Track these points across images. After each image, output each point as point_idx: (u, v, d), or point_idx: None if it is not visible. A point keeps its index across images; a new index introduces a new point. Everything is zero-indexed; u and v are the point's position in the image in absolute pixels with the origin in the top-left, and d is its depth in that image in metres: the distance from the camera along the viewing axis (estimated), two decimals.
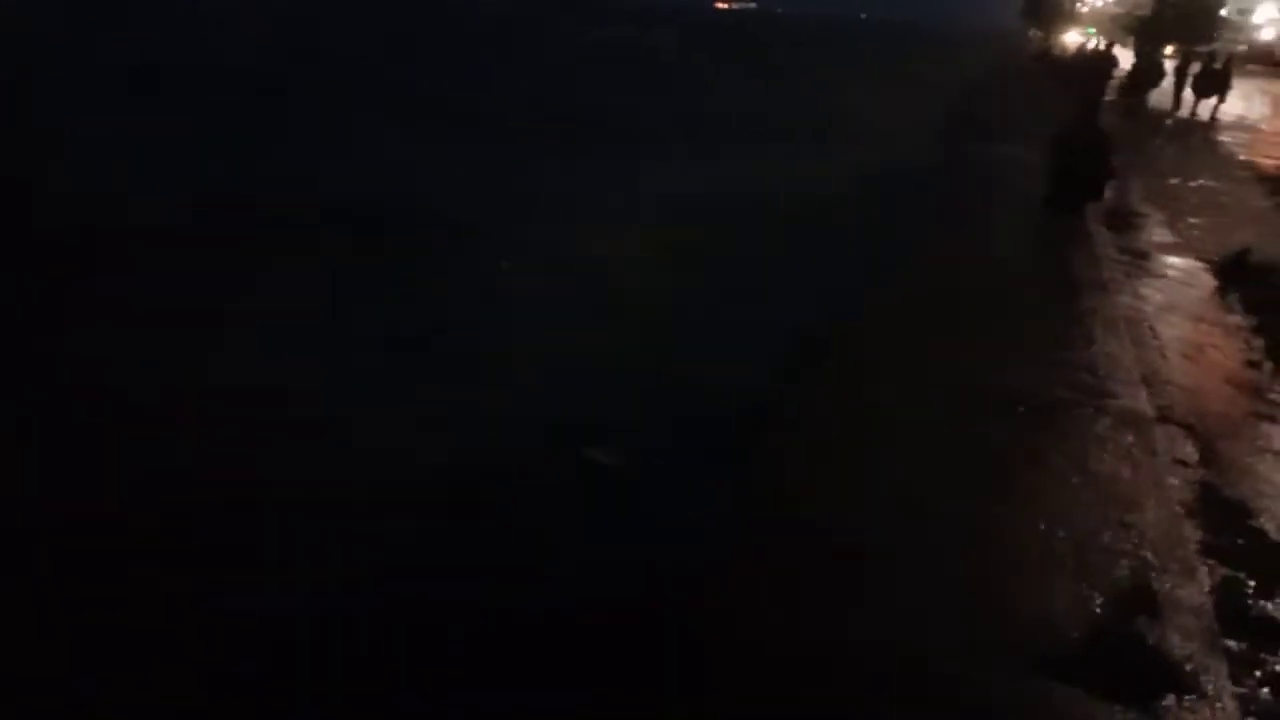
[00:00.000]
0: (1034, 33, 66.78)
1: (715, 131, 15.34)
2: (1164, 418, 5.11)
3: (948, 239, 9.19)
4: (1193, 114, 21.74)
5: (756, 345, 5.76)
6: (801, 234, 8.93)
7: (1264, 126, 21.68)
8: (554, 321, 5.98)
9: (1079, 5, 53.53)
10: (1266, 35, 50.35)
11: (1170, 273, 8.48)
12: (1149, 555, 3.72)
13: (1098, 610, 3.34)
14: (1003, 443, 4.66)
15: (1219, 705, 2.95)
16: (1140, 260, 8.74)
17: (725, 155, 13.10)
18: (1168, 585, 3.53)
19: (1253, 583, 3.64)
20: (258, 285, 6.42)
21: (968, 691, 2.91)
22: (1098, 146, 10.12)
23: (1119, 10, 49.04)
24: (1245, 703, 2.98)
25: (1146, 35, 23.79)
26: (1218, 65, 21.88)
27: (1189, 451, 4.75)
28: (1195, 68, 22.37)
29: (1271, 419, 5.34)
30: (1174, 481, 4.39)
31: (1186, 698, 2.96)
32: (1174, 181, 13.28)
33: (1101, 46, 24.45)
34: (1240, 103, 23.06)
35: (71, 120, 12.23)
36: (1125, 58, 26.06)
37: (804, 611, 3.25)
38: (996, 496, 4.11)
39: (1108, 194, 10.52)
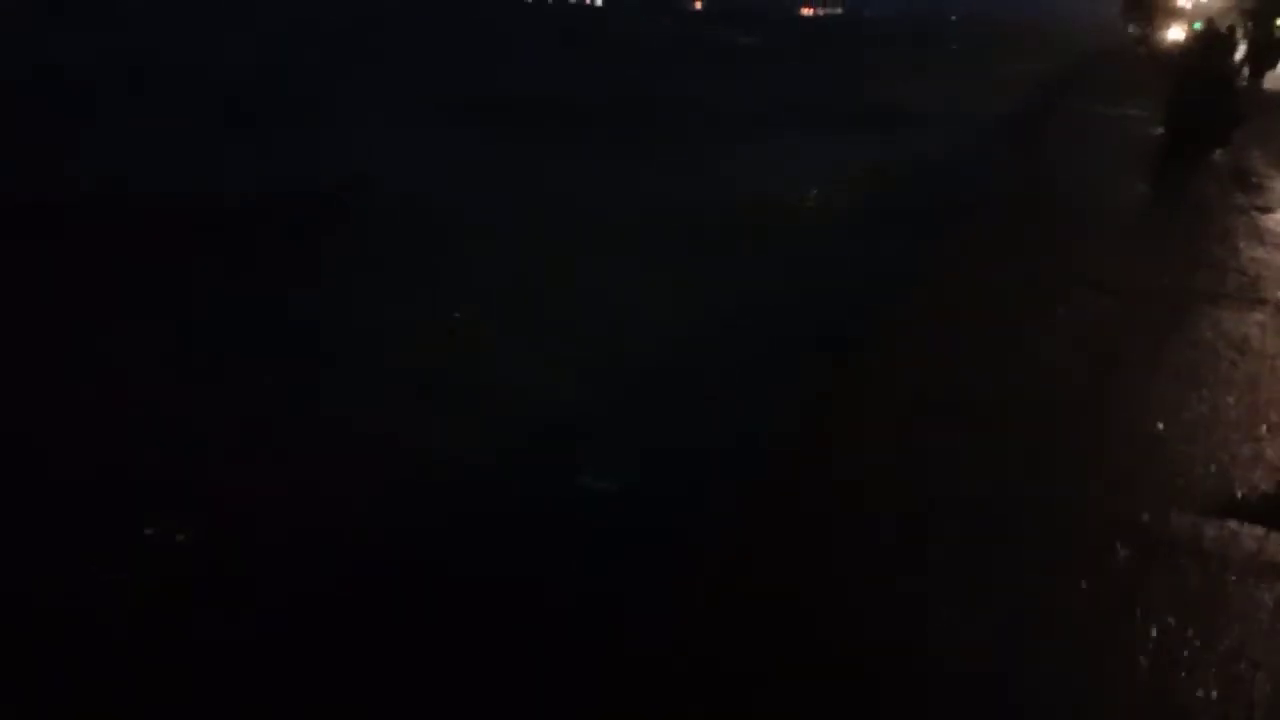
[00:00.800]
0: (1133, 29, 65.48)
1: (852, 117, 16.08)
2: None
3: (1088, 179, 9.84)
4: None
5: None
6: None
7: None
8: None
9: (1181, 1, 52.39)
10: None
11: None
12: None
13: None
14: (1184, 325, 5.39)
15: None
16: (1269, 213, 9.22)
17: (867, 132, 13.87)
18: None
19: None
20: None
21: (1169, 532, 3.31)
22: (1223, 84, 10.19)
23: (1226, 4, 47.89)
24: None
25: (1265, 14, 23.67)
26: None
27: None
28: None
29: None
30: None
31: None
32: None
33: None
34: None
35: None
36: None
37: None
38: (1170, 371, 4.83)
39: (1225, 157, 10.91)
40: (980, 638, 2.66)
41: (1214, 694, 2.50)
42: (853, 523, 3.22)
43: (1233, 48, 11.73)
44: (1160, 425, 4.06)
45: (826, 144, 12.92)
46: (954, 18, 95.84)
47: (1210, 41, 10.49)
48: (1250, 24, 24.63)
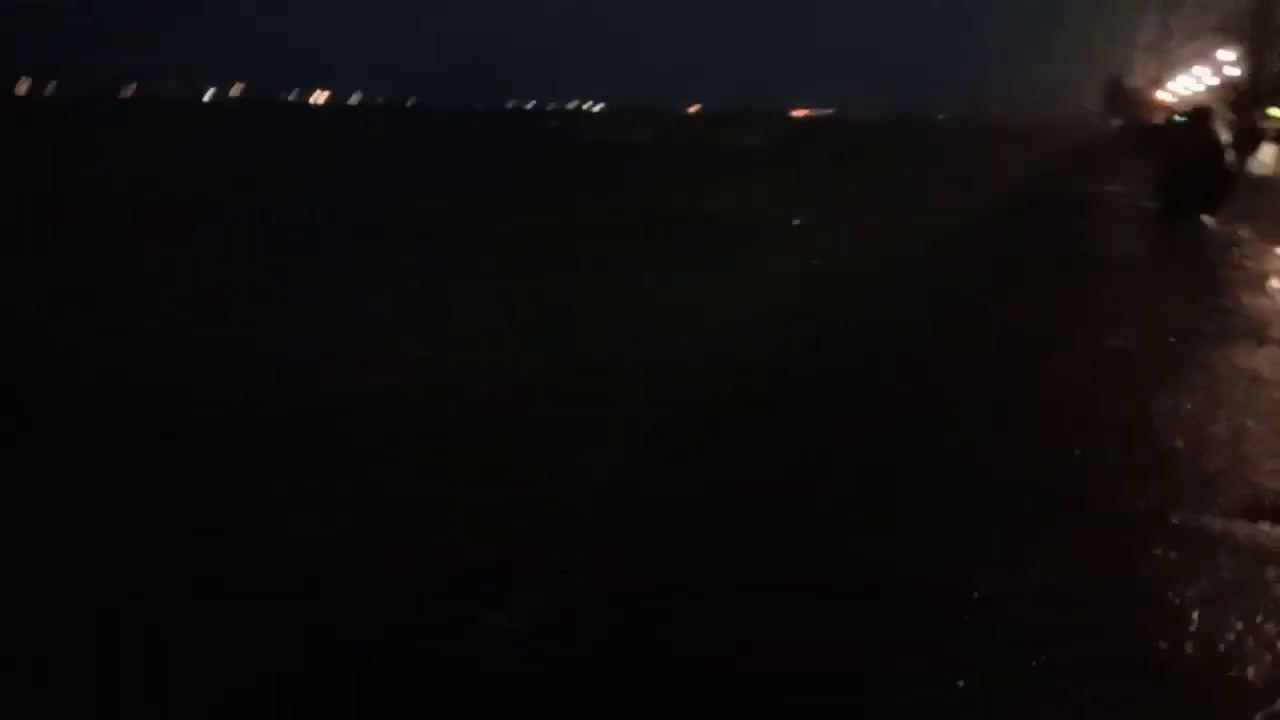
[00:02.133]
0: (1115, 122, 67.90)
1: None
2: None
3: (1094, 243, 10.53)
4: None
5: None
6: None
7: None
8: None
9: (1162, 93, 54.59)
10: None
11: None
12: None
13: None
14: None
15: None
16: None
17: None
18: None
19: None
20: None
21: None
22: (1211, 151, 10.74)
23: (1206, 98, 49.82)
24: None
25: (1244, 105, 25.08)
26: None
27: None
28: None
29: None
30: None
31: None
32: None
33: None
34: None
35: None
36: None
37: None
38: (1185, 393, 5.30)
39: (1216, 224, 11.53)
40: None
41: None
42: None
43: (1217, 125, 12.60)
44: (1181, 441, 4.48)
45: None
46: (941, 117, 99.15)
47: (1201, 117, 11.26)
48: (1232, 113, 26.00)
